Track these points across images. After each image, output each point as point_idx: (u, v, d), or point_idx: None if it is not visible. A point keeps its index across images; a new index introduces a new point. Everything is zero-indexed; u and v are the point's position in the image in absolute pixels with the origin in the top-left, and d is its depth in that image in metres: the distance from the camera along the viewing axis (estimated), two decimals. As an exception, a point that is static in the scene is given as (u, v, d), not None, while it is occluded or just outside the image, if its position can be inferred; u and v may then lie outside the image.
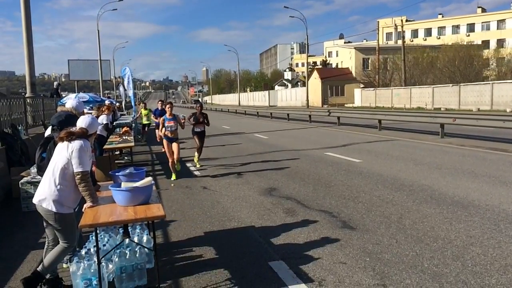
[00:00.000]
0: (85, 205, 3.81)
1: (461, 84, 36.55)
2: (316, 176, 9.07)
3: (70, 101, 4.70)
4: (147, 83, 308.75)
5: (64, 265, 4.45)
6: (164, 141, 9.29)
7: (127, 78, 20.74)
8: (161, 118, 9.39)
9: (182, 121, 9.70)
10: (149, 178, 4.01)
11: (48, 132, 4.69)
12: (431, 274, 4.07)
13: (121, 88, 28.75)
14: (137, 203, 3.79)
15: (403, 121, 18.98)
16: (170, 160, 9.36)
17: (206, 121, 10.74)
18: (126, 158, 12.88)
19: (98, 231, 4.45)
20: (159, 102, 14.40)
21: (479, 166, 9.45)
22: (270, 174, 9.47)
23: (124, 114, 26.80)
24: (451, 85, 37.33)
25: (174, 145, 9.32)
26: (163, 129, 9.12)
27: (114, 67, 61.84)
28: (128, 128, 12.84)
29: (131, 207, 3.70)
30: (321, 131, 20.41)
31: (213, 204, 7.02)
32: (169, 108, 9.29)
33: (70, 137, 3.77)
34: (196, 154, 10.87)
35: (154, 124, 14.89)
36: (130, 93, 21.47)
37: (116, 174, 4.52)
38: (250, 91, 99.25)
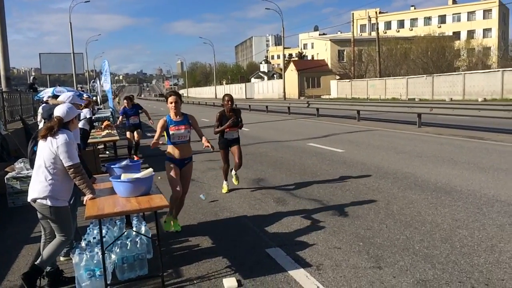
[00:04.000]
0: (85, 198, 3.83)
1: (434, 74, 37.41)
2: (301, 166, 9.22)
3: (64, 94, 4.67)
4: (121, 77, 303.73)
5: (62, 258, 4.46)
6: (167, 165, 5.14)
7: (104, 71, 20.44)
8: (161, 122, 5.05)
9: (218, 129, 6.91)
10: (150, 169, 4.06)
11: (41, 125, 4.67)
12: (423, 255, 4.26)
13: (97, 82, 28.29)
14: (138, 194, 3.84)
15: (381, 111, 19.34)
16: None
17: (240, 122, 7.16)
18: (107, 152, 12.77)
19: (95, 224, 4.49)
20: (126, 100, 11.32)
21: (457, 153, 9.77)
22: (256, 166, 9.57)
23: (100, 108, 26.40)
24: (424, 76, 38.15)
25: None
26: (161, 139, 5.09)
27: (87, 60, 60.63)
28: (109, 122, 12.71)
29: (133, 198, 3.74)
30: (301, 123, 20.62)
31: (205, 195, 7.07)
32: (174, 104, 5.04)
33: (51, 132, 3.73)
34: (233, 176, 7.32)
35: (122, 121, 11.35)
36: (107, 87, 21.15)
37: (113, 166, 4.54)
38: (226, 83, 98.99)
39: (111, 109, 20.35)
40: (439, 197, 6.33)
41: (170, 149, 5.15)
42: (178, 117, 5.11)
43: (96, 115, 16.33)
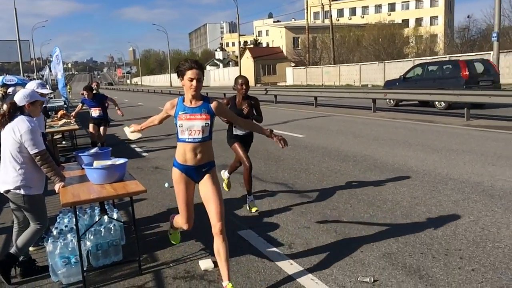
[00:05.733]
0: (56, 186, 3.78)
1: (385, 61, 38.58)
2: (264, 152, 9.38)
3: (31, 83, 4.56)
4: (70, 65, 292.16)
5: (31, 248, 4.38)
6: (174, 175, 3.60)
7: (56, 58, 19.64)
8: (168, 104, 3.48)
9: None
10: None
11: None
12: (386, 231, 4.53)
13: (47, 70, 27.16)
14: (112, 180, 3.84)
15: (338, 97, 19.82)
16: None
17: (258, 114, 5.47)
18: (64, 142, 12.42)
19: (65, 213, 4.45)
20: (85, 91, 9.40)
21: (411, 136, 10.26)
22: (219, 152, 9.62)
23: (51, 98, 25.41)
24: (376, 62, 39.27)
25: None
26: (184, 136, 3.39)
27: (33, 48, 57.90)
28: (65, 111, 12.33)
29: (108, 185, 3.75)
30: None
31: (170, 183, 7.07)
32: (195, 83, 3.27)
33: (4, 118, 3.66)
34: (226, 180, 6.11)
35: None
36: (59, 75, 20.37)
37: (81, 154, 4.49)
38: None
39: (64, 98, 19.66)
40: (397, 177, 6.67)
41: (179, 149, 3.44)
42: (194, 102, 3.35)
43: (48, 104, 15.76)
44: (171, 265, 4.01)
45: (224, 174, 6.11)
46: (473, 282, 3.38)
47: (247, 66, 58.40)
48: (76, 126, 9.56)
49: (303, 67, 50.15)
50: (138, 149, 10.63)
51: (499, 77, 16.90)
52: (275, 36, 70.48)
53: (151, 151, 10.35)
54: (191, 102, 3.37)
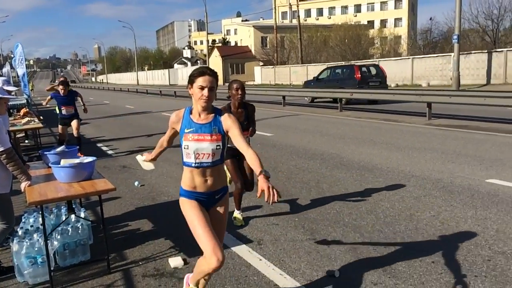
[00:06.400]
0: (22, 185, 3.72)
1: (351, 61, 39.30)
2: (233, 150, 9.42)
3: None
4: (31, 62, 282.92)
5: (-6, 250, 4.29)
6: (183, 204, 2.88)
7: (18, 55, 19.04)
8: (173, 117, 2.89)
9: None
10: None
11: None
12: (352, 226, 4.67)
13: (7, 67, 26.28)
14: (80, 179, 3.80)
15: (305, 96, 20.07)
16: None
17: (251, 124, 5.05)
18: (27, 141, 12.09)
19: (30, 213, 4.37)
20: (61, 86, 8.70)
21: (376, 135, 10.55)
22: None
23: (13, 95, 24.63)
24: (343, 62, 39.94)
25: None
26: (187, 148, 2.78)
27: (-7, 43, 55.67)
28: (27, 109, 11.99)
29: (76, 183, 3.71)
30: (228, 108, 20.82)
31: (140, 181, 7.03)
32: (207, 92, 2.70)
33: None
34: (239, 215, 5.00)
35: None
36: (21, 72, 19.76)
37: (47, 153, 4.41)
38: (149, 69, 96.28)
39: (26, 96, 19.09)
40: (363, 174, 6.86)
41: (185, 174, 2.86)
42: (204, 115, 2.79)
43: (10, 102, 15.27)
44: (140, 263, 4.01)
45: (235, 212, 4.99)
46: (433, 273, 3.55)
47: (216, 64, 58.22)
48: (40, 125, 9.31)
49: (272, 67, 50.45)
50: (104, 148, 10.48)
51: (386, 79, 20.60)
52: (243, 35, 70.54)
53: (117, 149, 10.21)
54: (199, 116, 2.79)
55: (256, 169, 2.66)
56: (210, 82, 2.70)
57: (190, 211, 2.80)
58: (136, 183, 6.86)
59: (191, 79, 2.76)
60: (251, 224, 4.89)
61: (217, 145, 2.76)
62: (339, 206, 5.37)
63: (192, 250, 4.20)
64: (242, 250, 4.17)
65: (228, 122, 2.79)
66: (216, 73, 2.79)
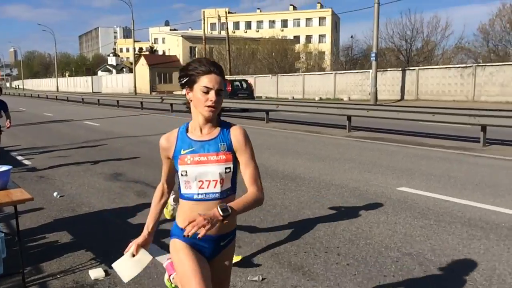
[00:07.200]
0: None
1: (278, 75, 40.47)
2: (159, 160, 9.21)
3: None
4: None
5: None
6: (173, 246, 2.16)
7: None
8: (164, 141, 2.17)
9: None
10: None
11: None
12: (275, 233, 4.85)
13: None
14: (-7, 189, 3.60)
15: (231, 107, 20.31)
16: None
17: None
18: None
19: None
20: None
21: (300, 146, 10.96)
22: (112, 161, 9.36)
23: None
24: (270, 75, 41.00)
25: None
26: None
27: None
28: None
29: (-13, 194, 3.51)
30: (155, 118, 20.51)
31: (60, 192, 6.73)
32: (214, 96, 2.02)
33: None
34: (172, 206, 5.13)
35: None
36: None
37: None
38: (70, 76, 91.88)
39: None
40: (286, 183, 7.12)
41: (183, 209, 2.16)
42: (208, 129, 2.14)
43: None
44: (58, 276, 3.86)
45: (172, 202, 4.93)
46: (348, 275, 3.80)
47: (142, 73, 57.06)
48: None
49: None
50: (19, 157, 9.88)
51: (253, 92, 26.34)
52: (171, 44, 69.89)
53: (34, 159, 9.68)
54: (201, 131, 2.11)
55: (231, 202, 2.04)
56: (218, 83, 2.03)
57: (185, 260, 2.03)
58: (55, 194, 6.56)
59: (191, 79, 2.04)
60: (176, 233, 4.89)
61: (226, 168, 2.07)
62: (263, 214, 5.54)
63: (113, 262, 4.11)
64: (165, 259, 4.16)
65: (239, 138, 2.11)
66: (223, 71, 2.10)
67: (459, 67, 27.37)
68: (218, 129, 2.13)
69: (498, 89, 24.31)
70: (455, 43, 41.44)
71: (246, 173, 2.15)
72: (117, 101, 29.66)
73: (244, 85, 25.40)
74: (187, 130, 2.15)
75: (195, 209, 2.05)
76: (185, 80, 2.08)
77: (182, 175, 2.08)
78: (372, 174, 7.62)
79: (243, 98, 22.24)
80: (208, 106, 2.03)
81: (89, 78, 73.08)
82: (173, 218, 5.08)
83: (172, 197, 4.70)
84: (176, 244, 2.12)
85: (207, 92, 2.02)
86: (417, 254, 4.21)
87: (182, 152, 2.08)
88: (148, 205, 5.82)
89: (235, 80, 26.29)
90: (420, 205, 5.77)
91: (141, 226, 5.09)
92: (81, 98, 36.09)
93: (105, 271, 3.89)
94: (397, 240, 4.58)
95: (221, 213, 1.87)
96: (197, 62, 2.06)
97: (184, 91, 2.11)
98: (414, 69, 29.41)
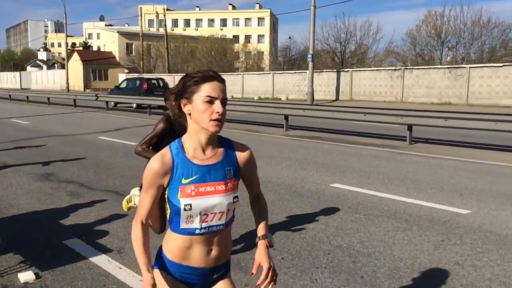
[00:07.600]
0: None
1: (143, 74, 40.45)
2: (94, 159, 9.05)
3: None
4: None
5: None
6: (161, 277, 1.83)
7: None
8: (153, 167, 1.72)
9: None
10: None
11: None
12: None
13: None
14: None
15: (151, 105, 20.16)
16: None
17: None
18: None
19: None
20: None
21: (238, 144, 11.08)
22: (42, 160, 8.95)
23: None
24: (137, 75, 40.97)
25: None
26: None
27: None
28: None
29: None
30: (90, 116, 19.81)
31: (-19, 194, 6.36)
32: (221, 108, 1.71)
33: None
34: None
35: None
36: None
37: None
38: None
39: None
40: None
41: (175, 242, 1.82)
42: (210, 150, 1.82)
43: None
44: (-16, 281, 3.68)
45: (136, 193, 4.41)
46: (283, 268, 3.95)
47: (76, 69, 54.74)
48: None
49: (138, 74, 49.16)
50: None
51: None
52: (107, 40, 67.57)
53: (-44, 160, 9.04)
54: (203, 151, 1.79)
55: (260, 228, 1.97)
56: (222, 92, 1.72)
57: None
58: None
59: (191, 89, 1.71)
60: (111, 233, 4.82)
61: (234, 197, 1.82)
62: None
63: (45, 264, 4.00)
64: (101, 260, 4.10)
65: (252, 160, 1.91)
66: (224, 79, 1.78)
67: (389, 69, 28.88)
68: (222, 149, 1.84)
69: (424, 90, 25.94)
70: (386, 46, 43.68)
71: (253, 185, 2.06)
72: (48, 98, 28.24)
73: (161, 83, 27.15)
74: (184, 151, 1.76)
75: (195, 243, 1.79)
76: (180, 91, 1.74)
77: (184, 209, 1.71)
78: (308, 172, 7.89)
79: (158, 96, 22.11)
80: (215, 120, 1.69)
81: (17, 73, 68.85)
82: (130, 212, 4.78)
83: (136, 189, 4.36)
84: (161, 277, 1.83)
85: (211, 102, 1.69)
86: (347, 246, 4.45)
87: (183, 181, 1.72)
88: (82, 206, 5.72)
89: (152, 78, 28.46)
90: (351, 200, 6.08)
91: (74, 227, 4.97)
92: (8, 95, 33.96)
93: (36, 273, 3.76)
94: (329, 234, 4.81)
95: (272, 245, 1.98)
96: (195, 72, 1.76)
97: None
98: (348, 71, 30.60)
